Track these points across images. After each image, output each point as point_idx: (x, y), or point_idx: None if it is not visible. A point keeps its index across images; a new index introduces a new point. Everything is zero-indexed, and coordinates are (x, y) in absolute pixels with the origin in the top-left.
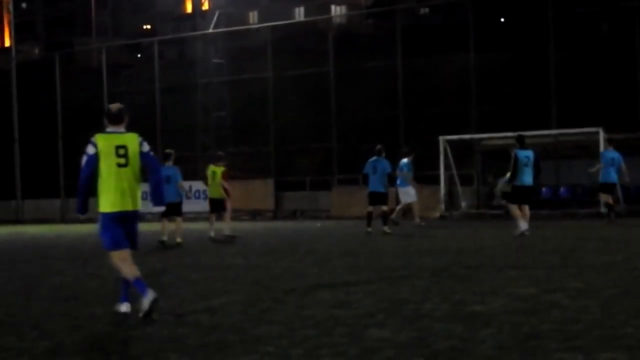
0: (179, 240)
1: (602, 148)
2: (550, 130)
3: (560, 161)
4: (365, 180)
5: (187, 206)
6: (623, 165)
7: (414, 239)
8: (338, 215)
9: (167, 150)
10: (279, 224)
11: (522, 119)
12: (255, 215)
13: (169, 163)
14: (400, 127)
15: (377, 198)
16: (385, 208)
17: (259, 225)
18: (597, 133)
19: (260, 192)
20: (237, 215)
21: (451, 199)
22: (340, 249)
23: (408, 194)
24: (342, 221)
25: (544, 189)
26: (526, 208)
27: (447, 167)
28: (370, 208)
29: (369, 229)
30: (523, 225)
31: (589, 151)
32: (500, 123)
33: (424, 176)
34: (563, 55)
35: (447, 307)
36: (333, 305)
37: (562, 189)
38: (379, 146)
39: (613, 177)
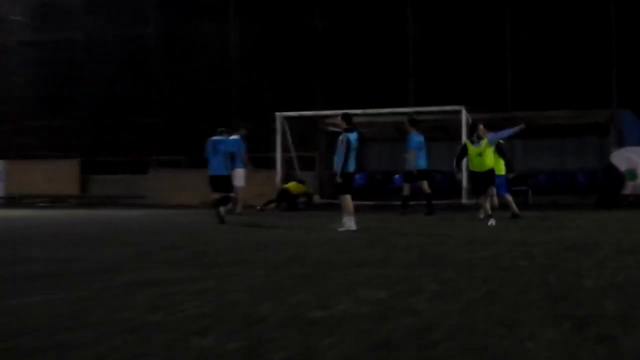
0: None
1: (464, 129)
2: (405, 108)
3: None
4: (207, 162)
5: None
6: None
7: (251, 231)
8: (157, 204)
9: None
10: (84, 213)
11: (376, 94)
12: (55, 201)
13: None
14: (232, 101)
15: (219, 183)
16: (233, 194)
17: (60, 214)
18: (459, 112)
19: (64, 174)
20: (34, 202)
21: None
22: (161, 241)
23: (238, 177)
24: (163, 210)
25: (395, 177)
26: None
27: (287, 148)
28: (216, 195)
29: (222, 218)
30: (349, 222)
31: (450, 133)
32: (350, 99)
33: (258, 158)
34: (422, 25)
35: (284, 311)
36: (150, 307)
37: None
38: (222, 129)
39: (422, 163)
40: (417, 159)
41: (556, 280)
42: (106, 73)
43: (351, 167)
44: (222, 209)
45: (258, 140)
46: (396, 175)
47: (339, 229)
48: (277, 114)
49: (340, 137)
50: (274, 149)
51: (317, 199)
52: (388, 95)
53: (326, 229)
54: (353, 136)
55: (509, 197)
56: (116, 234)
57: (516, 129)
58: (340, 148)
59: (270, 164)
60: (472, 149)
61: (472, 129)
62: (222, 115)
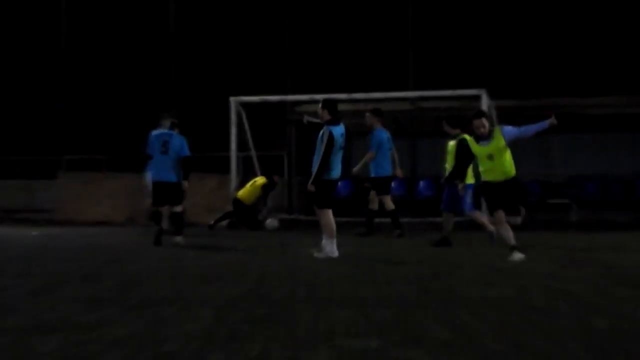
0: None
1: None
2: (406, 92)
3: (419, 140)
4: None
5: None
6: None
7: (198, 257)
8: (69, 219)
9: None
10: None
11: (366, 74)
12: None
13: None
14: (171, 83)
15: (166, 192)
16: (179, 209)
17: None
18: (479, 98)
19: None
20: None
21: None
22: (72, 270)
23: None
24: (76, 227)
25: (393, 184)
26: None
27: (243, 145)
28: (160, 209)
29: (159, 238)
30: (329, 246)
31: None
32: (331, 81)
33: (206, 159)
34: None
35: None
36: (57, 358)
37: (421, 184)
38: (170, 119)
39: (387, 168)
40: (379, 162)
41: (605, 327)
42: None
43: (334, 171)
44: (164, 224)
45: (205, 135)
46: (393, 184)
47: (316, 255)
48: (232, 99)
49: (321, 132)
50: (226, 147)
51: (270, 223)
52: (382, 76)
53: (297, 254)
54: (338, 130)
55: (478, 213)
56: (10, 260)
57: (545, 123)
58: (320, 146)
59: (222, 167)
60: (478, 149)
61: (455, 121)
62: (157, 102)
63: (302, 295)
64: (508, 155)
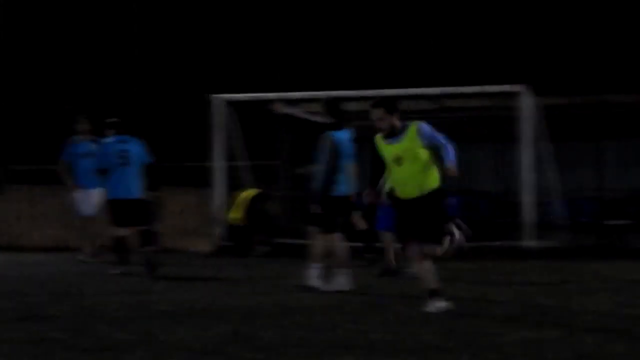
0: None
1: (524, 123)
2: (430, 89)
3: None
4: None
5: None
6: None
7: (169, 289)
8: (13, 243)
9: None
10: None
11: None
12: None
13: None
14: (134, 77)
15: (131, 211)
16: (153, 227)
17: None
18: (517, 94)
19: None
20: None
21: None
22: (16, 306)
23: (86, 201)
24: (22, 254)
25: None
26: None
27: (231, 154)
28: (122, 231)
29: (120, 268)
30: (339, 281)
31: (498, 128)
32: (337, 75)
33: (182, 169)
34: None
35: None
36: None
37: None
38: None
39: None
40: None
41: None
42: None
43: (342, 186)
44: (147, 249)
45: (179, 142)
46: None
47: (321, 287)
48: (215, 96)
49: (322, 139)
50: (207, 156)
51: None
52: (401, 70)
53: (291, 287)
54: (342, 135)
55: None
56: None
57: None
58: (322, 156)
59: (201, 180)
60: (385, 149)
61: (332, 109)
62: (117, 100)
63: (297, 339)
64: (425, 162)
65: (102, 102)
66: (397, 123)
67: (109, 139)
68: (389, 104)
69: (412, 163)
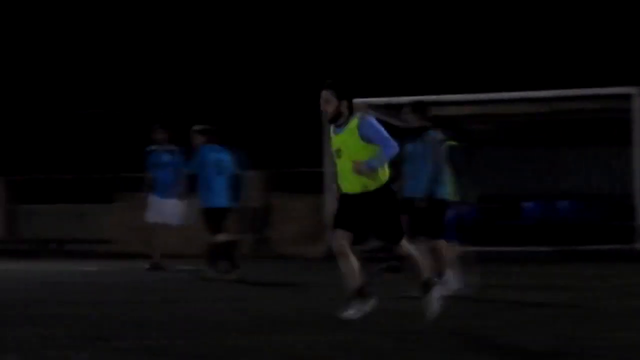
0: None
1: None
2: (546, 91)
3: (557, 150)
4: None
5: None
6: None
7: (277, 295)
8: (125, 250)
9: None
10: (8, 268)
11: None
12: None
13: None
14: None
15: (221, 219)
16: (223, 238)
17: None
18: (630, 97)
19: None
20: None
21: None
22: (129, 314)
23: (160, 210)
24: (136, 261)
25: (526, 205)
26: None
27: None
28: (221, 237)
29: (214, 272)
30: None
31: (611, 130)
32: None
33: (294, 176)
34: None
35: None
36: None
37: (561, 204)
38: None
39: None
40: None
41: None
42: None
43: (447, 188)
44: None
45: (294, 148)
46: (527, 203)
47: (424, 299)
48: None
49: (426, 138)
50: (318, 162)
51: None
52: (511, 73)
53: (402, 294)
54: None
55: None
56: (60, 304)
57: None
58: (428, 154)
59: (314, 186)
60: (331, 139)
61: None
62: (231, 109)
63: (405, 345)
64: (364, 157)
65: (211, 109)
66: (345, 111)
67: (210, 146)
68: (340, 89)
69: (351, 157)
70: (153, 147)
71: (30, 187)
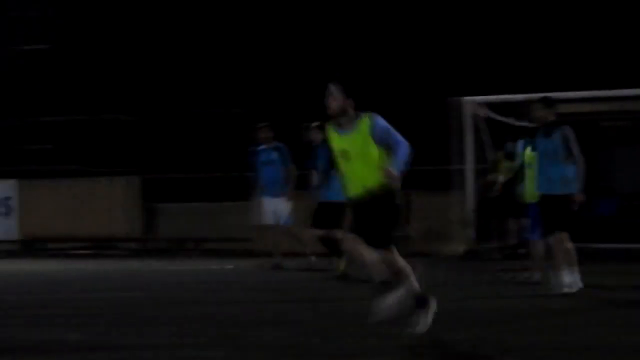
0: None
1: None
2: (594, 92)
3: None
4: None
5: None
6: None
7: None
8: (263, 249)
9: None
10: (149, 268)
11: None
12: (100, 246)
13: None
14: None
15: (333, 213)
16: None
17: (110, 271)
18: None
19: (113, 203)
20: (64, 249)
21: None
22: (265, 312)
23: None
24: (272, 260)
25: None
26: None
27: (480, 157)
28: (322, 232)
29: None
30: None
31: None
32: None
33: (425, 173)
34: None
35: None
36: None
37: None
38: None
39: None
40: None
41: None
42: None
43: (573, 186)
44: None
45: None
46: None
47: (552, 292)
48: (466, 99)
49: (562, 134)
50: (446, 159)
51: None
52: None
53: (530, 290)
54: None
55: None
56: (196, 302)
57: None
58: (561, 150)
59: (446, 183)
60: (334, 141)
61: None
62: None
63: (542, 341)
64: (376, 160)
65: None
66: (351, 111)
67: (324, 144)
68: (349, 86)
69: (361, 160)
70: (260, 146)
71: (166, 186)
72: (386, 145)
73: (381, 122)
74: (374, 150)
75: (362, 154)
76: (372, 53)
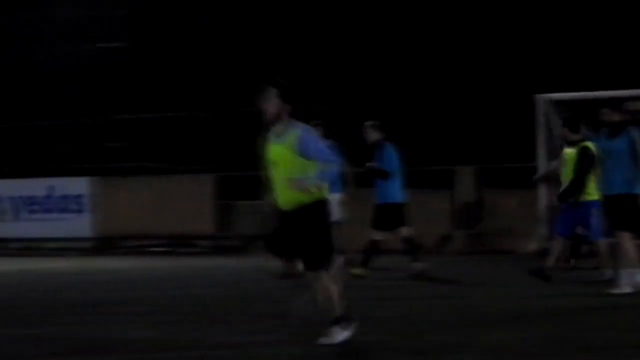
0: None
1: None
2: None
3: None
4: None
5: None
6: None
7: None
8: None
9: None
10: (225, 266)
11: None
12: (174, 244)
13: None
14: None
15: (393, 213)
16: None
17: (185, 267)
18: None
19: (187, 200)
20: (140, 246)
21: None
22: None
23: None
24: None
25: None
26: None
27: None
28: (379, 235)
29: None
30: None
31: None
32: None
33: (503, 171)
34: None
35: None
36: None
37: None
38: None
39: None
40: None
41: None
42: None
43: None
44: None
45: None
46: None
47: (613, 291)
48: (539, 96)
49: (630, 134)
50: (530, 156)
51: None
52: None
53: (596, 289)
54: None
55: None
56: (260, 301)
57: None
58: (630, 150)
59: (525, 181)
60: (267, 148)
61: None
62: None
63: (605, 339)
64: (302, 171)
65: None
66: (285, 118)
67: (388, 144)
68: (286, 91)
69: (286, 170)
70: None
71: (241, 184)
72: (309, 159)
73: (307, 136)
74: (300, 163)
75: (287, 164)
76: (458, 53)
